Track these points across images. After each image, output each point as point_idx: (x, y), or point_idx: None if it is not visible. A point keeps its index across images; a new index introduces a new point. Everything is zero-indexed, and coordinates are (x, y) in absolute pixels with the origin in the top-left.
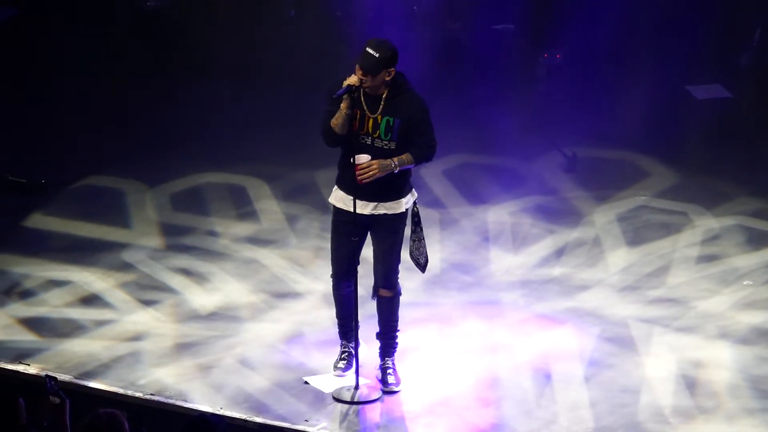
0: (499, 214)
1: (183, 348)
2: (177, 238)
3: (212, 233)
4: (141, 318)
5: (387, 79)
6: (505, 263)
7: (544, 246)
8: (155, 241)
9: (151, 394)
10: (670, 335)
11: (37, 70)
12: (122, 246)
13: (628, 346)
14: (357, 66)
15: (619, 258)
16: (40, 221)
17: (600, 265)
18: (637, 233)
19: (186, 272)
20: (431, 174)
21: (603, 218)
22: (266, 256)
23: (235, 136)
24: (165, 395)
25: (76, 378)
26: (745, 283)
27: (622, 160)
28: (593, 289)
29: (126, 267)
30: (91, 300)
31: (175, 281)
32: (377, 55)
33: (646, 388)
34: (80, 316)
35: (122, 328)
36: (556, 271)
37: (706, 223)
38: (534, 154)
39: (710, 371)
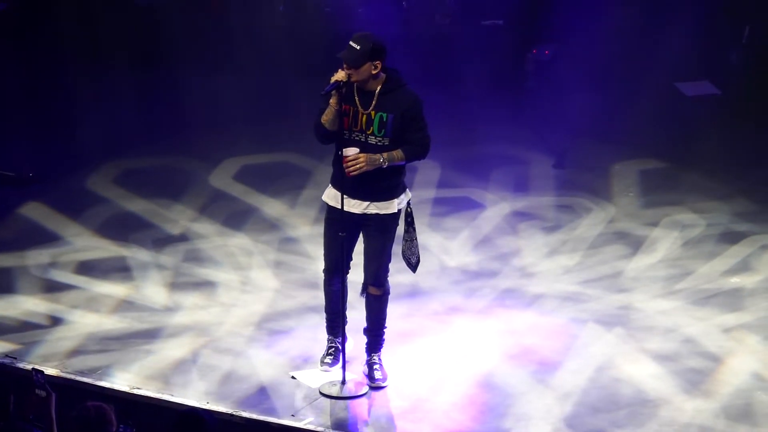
0: (495, 213)
1: (170, 333)
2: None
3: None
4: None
5: (374, 72)
6: (505, 264)
7: (547, 244)
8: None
9: (138, 388)
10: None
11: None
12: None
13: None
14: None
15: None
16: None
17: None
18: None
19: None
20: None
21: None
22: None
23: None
24: (153, 387)
25: (62, 371)
26: (732, 280)
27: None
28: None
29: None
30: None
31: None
32: (358, 48)
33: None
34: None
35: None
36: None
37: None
38: (522, 151)
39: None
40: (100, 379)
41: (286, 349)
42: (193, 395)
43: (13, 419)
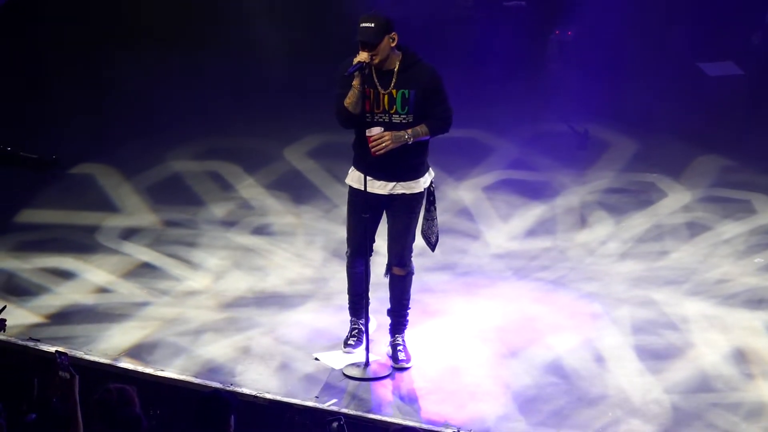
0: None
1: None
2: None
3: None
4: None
5: (392, 45)
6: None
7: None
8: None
9: (161, 369)
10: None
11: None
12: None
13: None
14: (360, 46)
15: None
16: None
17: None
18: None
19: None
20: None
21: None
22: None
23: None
24: (168, 368)
25: (86, 353)
26: (756, 260)
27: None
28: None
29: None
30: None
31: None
32: (373, 25)
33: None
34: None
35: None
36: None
37: None
38: (545, 132)
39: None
40: (121, 360)
41: (310, 330)
42: (217, 377)
43: (36, 402)
